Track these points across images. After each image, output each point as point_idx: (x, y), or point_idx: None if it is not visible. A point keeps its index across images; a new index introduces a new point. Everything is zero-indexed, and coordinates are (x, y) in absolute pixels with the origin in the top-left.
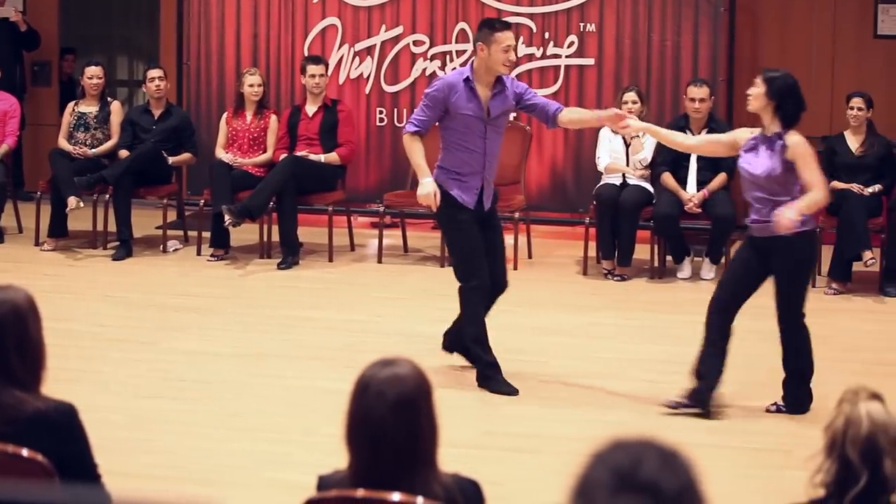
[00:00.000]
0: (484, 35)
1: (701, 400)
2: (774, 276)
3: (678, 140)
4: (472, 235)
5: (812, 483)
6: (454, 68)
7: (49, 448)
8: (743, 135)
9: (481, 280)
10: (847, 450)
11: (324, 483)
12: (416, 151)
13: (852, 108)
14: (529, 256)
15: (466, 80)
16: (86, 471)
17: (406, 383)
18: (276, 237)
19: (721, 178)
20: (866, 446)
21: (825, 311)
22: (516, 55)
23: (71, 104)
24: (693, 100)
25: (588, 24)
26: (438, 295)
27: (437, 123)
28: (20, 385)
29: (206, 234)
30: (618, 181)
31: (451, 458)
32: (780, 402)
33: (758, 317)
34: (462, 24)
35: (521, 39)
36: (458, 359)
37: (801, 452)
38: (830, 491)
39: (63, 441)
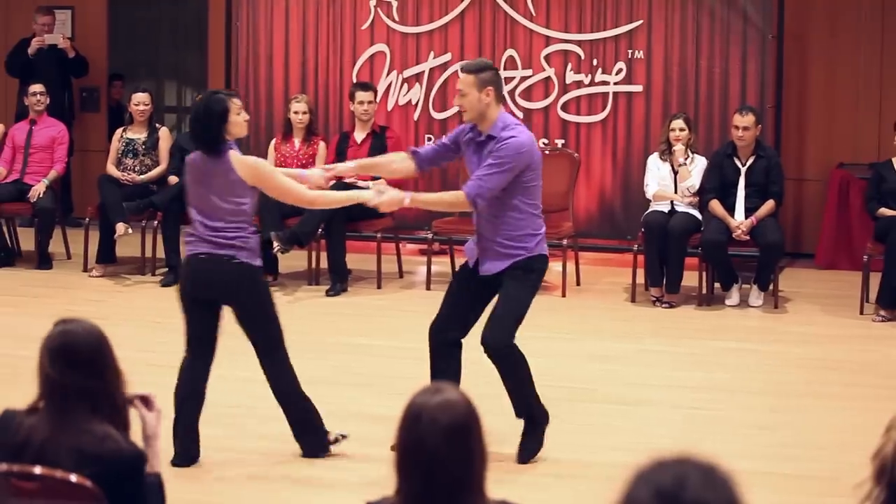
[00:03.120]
0: None
1: None
2: None
3: None
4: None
5: None
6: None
7: (107, 489)
8: None
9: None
10: (894, 476)
11: None
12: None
13: None
14: (578, 283)
15: (470, 130)
16: None
17: (458, 409)
18: (324, 264)
19: (769, 205)
20: None
21: (873, 338)
22: (458, 100)
23: (119, 130)
24: (737, 127)
25: (636, 51)
26: (485, 322)
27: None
28: (109, 419)
29: None
30: (666, 208)
31: (498, 485)
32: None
33: None
34: (510, 51)
35: (570, 66)
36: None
37: (848, 480)
38: None
39: (122, 487)
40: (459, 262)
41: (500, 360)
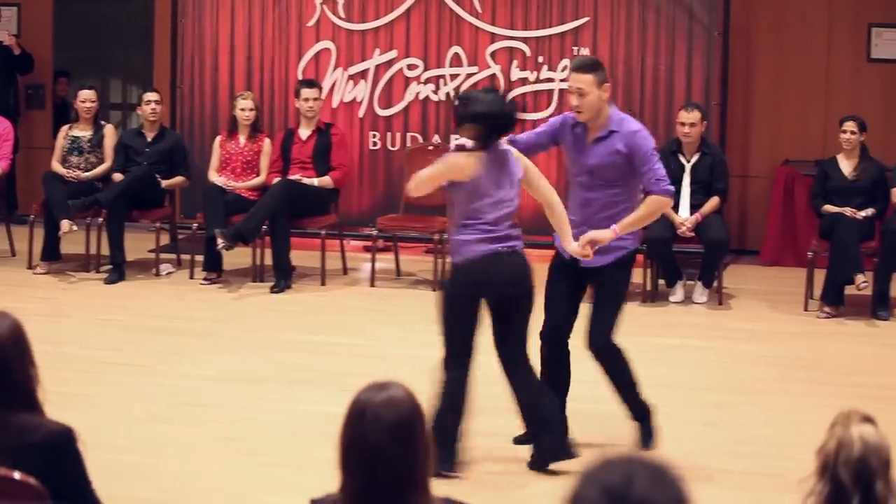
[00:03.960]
0: None
1: None
2: None
3: None
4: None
5: None
6: (447, 93)
7: (46, 472)
8: None
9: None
10: (839, 472)
11: None
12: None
13: (845, 132)
14: None
15: (573, 123)
16: (83, 496)
17: (402, 407)
18: (268, 261)
19: (714, 201)
20: (858, 468)
21: (818, 334)
22: (579, 100)
23: (64, 128)
24: (683, 124)
25: (581, 48)
26: (431, 318)
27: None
28: (24, 408)
29: (199, 258)
30: None
31: (442, 482)
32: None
33: None
34: (456, 48)
35: (516, 63)
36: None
37: (794, 475)
38: None
39: (61, 465)
40: (404, 258)
41: (606, 360)
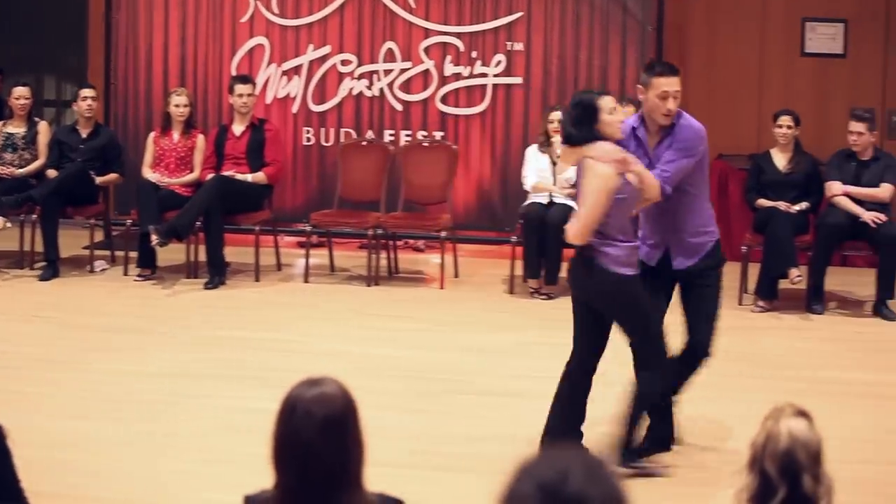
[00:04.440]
0: (643, 78)
1: None
2: None
3: None
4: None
5: (738, 499)
6: (381, 88)
7: None
8: None
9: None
10: (766, 465)
11: (250, 503)
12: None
13: (780, 126)
14: (456, 275)
15: (633, 129)
16: (10, 493)
17: (334, 403)
18: (202, 257)
19: None
20: (784, 462)
21: (752, 328)
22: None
23: None
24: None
25: (515, 44)
26: (365, 314)
27: None
28: None
29: (133, 254)
30: (544, 200)
31: (378, 478)
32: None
33: None
34: (389, 44)
35: (449, 58)
36: (387, 379)
37: (728, 469)
38: None
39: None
40: (338, 254)
41: (705, 364)
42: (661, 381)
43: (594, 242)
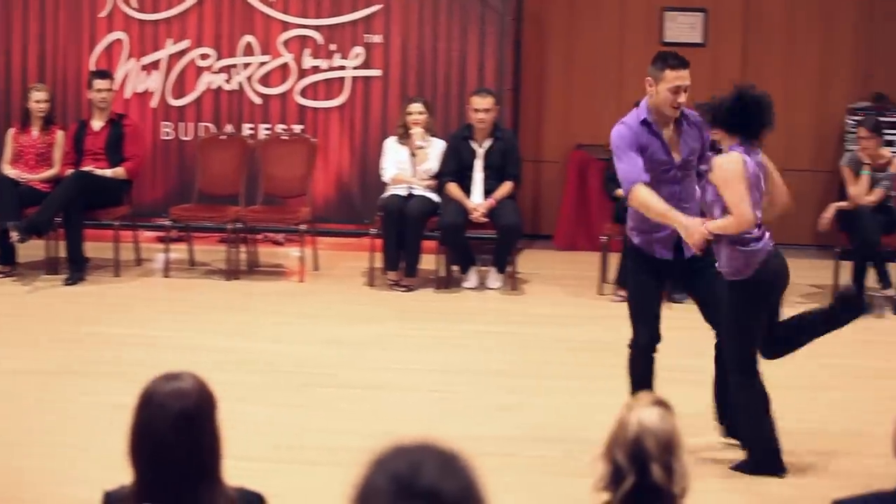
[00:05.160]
0: (654, 70)
1: None
2: None
3: None
4: (642, 289)
5: (595, 488)
6: (240, 82)
7: None
8: None
9: (638, 338)
10: (616, 453)
11: (110, 499)
12: (654, 202)
13: None
14: (316, 268)
15: (644, 121)
16: None
17: (189, 397)
18: (63, 253)
19: (507, 186)
20: (633, 450)
21: (612, 318)
22: (686, 96)
23: None
24: (477, 110)
25: (374, 36)
26: (225, 308)
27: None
28: None
29: None
30: (404, 192)
31: (239, 472)
32: None
33: None
34: (248, 38)
35: (308, 51)
36: (247, 373)
37: (587, 458)
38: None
39: None
40: (198, 248)
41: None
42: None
43: None
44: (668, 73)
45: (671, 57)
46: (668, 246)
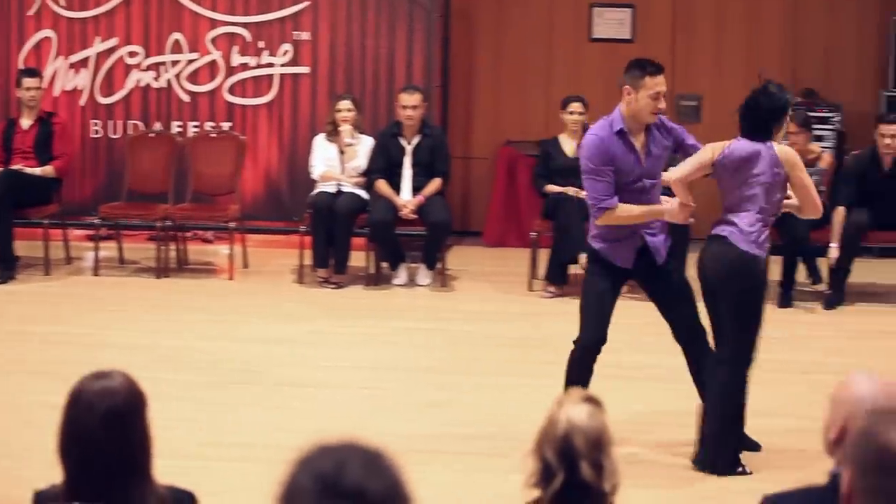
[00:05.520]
0: (631, 78)
1: None
2: None
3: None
4: (595, 290)
5: (525, 484)
6: (168, 79)
7: None
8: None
9: (584, 338)
10: (545, 450)
11: (40, 498)
12: (629, 211)
13: (571, 113)
14: (245, 266)
15: (620, 131)
16: None
17: (117, 395)
18: None
19: (436, 183)
20: (562, 447)
21: (543, 314)
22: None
23: None
24: (405, 107)
25: (302, 33)
26: (155, 306)
27: None
28: None
29: None
30: (332, 189)
31: (170, 470)
32: None
33: None
34: (176, 35)
35: (236, 49)
36: (177, 371)
37: (517, 456)
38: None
39: None
40: (127, 246)
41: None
42: None
43: None
44: (648, 80)
45: (648, 64)
46: (629, 254)
